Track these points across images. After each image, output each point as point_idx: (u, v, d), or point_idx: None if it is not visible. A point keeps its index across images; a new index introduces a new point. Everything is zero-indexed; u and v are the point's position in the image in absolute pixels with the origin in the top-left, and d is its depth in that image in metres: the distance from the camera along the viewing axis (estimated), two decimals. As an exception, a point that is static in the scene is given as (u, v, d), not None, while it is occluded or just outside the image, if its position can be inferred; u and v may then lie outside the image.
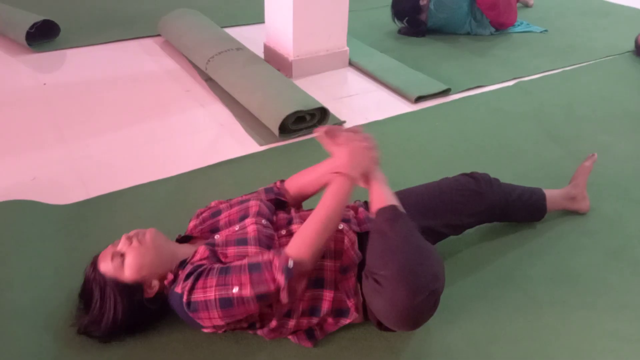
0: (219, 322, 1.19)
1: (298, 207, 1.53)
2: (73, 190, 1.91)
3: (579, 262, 1.65)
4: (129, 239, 1.26)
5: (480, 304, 1.48)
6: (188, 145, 2.23)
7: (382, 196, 1.28)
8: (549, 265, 1.63)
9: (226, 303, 1.16)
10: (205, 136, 2.31)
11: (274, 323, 1.26)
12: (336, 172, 1.26)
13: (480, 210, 1.56)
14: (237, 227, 1.33)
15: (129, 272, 1.24)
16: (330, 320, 1.31)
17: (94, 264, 1.27)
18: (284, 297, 1.16)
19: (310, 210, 1.47)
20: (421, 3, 3.51)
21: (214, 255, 1.27)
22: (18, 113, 2.43)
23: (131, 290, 1.25)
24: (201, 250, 1.27)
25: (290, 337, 1.32)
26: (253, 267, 1.17)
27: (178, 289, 1.20)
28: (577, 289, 1.55)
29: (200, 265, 1.22)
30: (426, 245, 1.21)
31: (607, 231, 1.78)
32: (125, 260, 1.24)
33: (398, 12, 3.59)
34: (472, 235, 1.73)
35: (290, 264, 1.15)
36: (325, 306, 1.27)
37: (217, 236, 1.33)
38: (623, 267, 1.63)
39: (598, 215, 1.85)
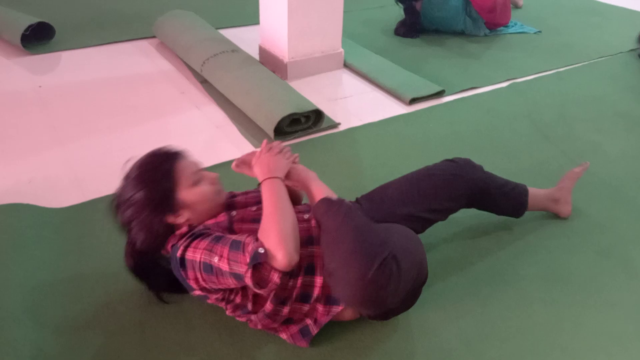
0: (204, 285, 1.25)
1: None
2: (69, 193, 1.92)
3: (569, 261, 1.67)
4: (219, 182, 1.40)
5: (472, 302, 1.51)
6: (183, 147, 2.21)
7: (314, 194, 1.38)
8: (541, 264, 1.66)
9: (207, 269, 1.21)
10: (201, 138, 2.32)
11: (269, 307, 1.28)
12: (260, 183, 1.34)
13: (460, 193, 1.58)
14: (254, 208, 1.40)
15: (192, 195, 1.32)
16: (321, 308, 1.33)
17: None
18: (247, 280, 1.16)
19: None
20: None
21: (230, 224, 1.33)
22: (13, 115, 2.44)
23: (165, 209, 1.31)
24: (220, 216, 1.36)
25: (285, 337, 1.34)
26: (234, 244, 1.20)
27: (179, 243, 1.27)
28: (568, 287, 1.57)
29: (207, 228, 1.29)
30: (363, 222, 1.27)
31: (598, 230, 1.81)
32: (200, 188, 1.34)
33: None
34: (464, 234, 1.75)
35: (261, 250, 1.16)
36: (315, 292, 1.31)
37: (234, 212, 1.39)
38: (613, 266, 1.66)
39: (589, 215, 1.88)
